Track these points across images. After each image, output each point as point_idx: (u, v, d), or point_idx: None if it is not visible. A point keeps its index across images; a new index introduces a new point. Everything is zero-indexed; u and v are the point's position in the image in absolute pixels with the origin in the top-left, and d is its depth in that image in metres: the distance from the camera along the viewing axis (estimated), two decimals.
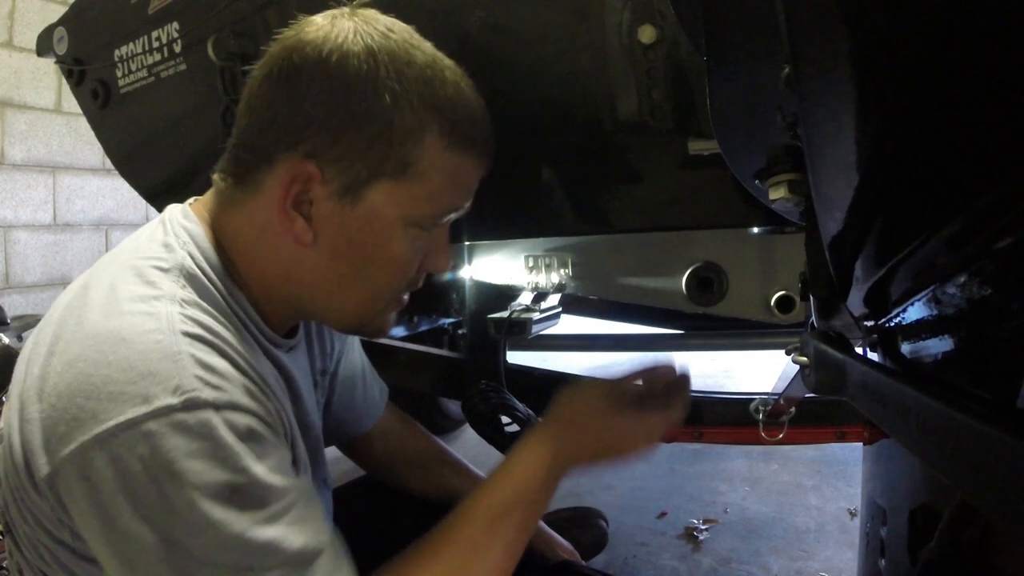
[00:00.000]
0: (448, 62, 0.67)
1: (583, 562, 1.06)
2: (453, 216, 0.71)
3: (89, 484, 0.53)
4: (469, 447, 1.10)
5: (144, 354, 0.54)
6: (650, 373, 0.80)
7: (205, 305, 0.61)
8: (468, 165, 0.68)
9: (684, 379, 0.80)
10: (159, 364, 0.54)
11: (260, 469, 0.55)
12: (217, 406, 0.54)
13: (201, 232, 0.65)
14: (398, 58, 0.62)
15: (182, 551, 0.53)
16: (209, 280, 0.63)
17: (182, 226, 0.65)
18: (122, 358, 0.53)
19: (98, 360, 0.54)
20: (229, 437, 0.54)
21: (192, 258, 0.63)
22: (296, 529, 0.57)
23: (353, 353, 0.98)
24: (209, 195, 0.70)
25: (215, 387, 0.55)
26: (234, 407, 0.55)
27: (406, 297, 0.73)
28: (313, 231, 0.65)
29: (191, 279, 0.61)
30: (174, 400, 0.53)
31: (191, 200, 0.71)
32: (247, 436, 0.56)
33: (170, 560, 0.53)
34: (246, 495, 0.54)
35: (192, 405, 0.53)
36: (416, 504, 1.01)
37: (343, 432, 0.99)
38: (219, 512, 0.53)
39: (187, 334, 0.56)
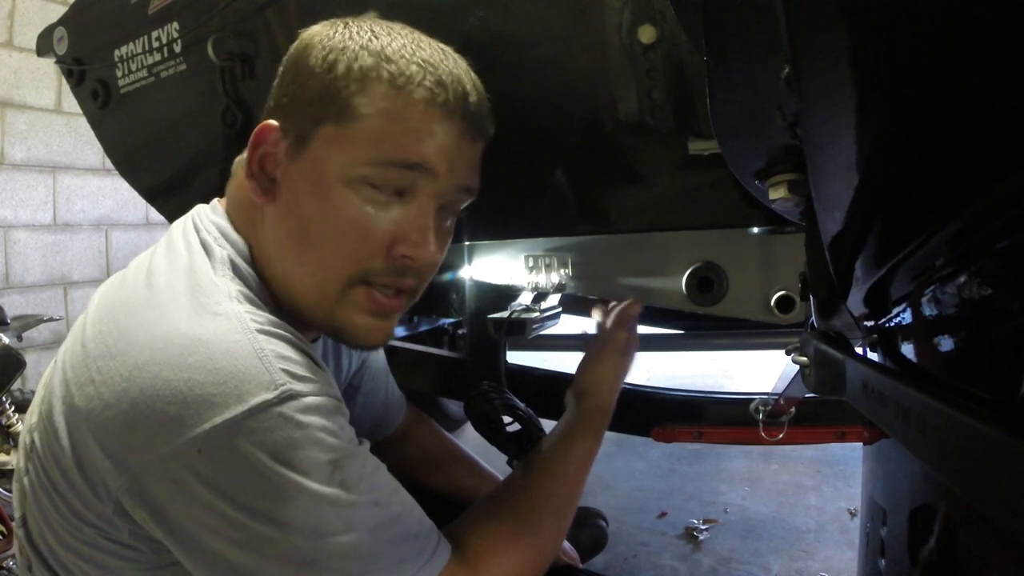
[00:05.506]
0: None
1: (582, 565, 1.06)
2: (427, 186, 0.62)
3: (186, 487, 0.53)
4: (469, 447, 1.10)
5: (228, 354, 0.54)
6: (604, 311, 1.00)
7: (255, 297, 0.61)
8: (419, 107, 0.60)
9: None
10: (245, 362, 0.54)
11: (346, 441, 0.58)
12: (307, 394, 0.56)
13: (227, 225, 0.66)
14: (361, 26, 0.63)
15: (298, 531, 0.54)
16: (248, 272, 0.64)
17: (211, 221, 0.66)
18: (204, 359, 0.53)
19: (176, 364, 0.53)
20: (322, 420, 0.56)
21: (227, 251, 0.63)
22: (381, 485, 0.61)
23: (378, 362, 0.98)
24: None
25: (300, 378, 0.56)
26: (319, 393, 0.57)
27: (383, 298, 0.64)
28: (275, 191, 0.64)
29: (236, 271, 0.62)
30: (270, 395, 0.53)
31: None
32: (332, 414, 0.58)
33: (289, 542, 0.54)
34: (344, 467, 0.57)
35: (287, 397, 0.54)
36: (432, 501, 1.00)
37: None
38: (327, 489, 0.55)
39: (261, 331, 0.57)
